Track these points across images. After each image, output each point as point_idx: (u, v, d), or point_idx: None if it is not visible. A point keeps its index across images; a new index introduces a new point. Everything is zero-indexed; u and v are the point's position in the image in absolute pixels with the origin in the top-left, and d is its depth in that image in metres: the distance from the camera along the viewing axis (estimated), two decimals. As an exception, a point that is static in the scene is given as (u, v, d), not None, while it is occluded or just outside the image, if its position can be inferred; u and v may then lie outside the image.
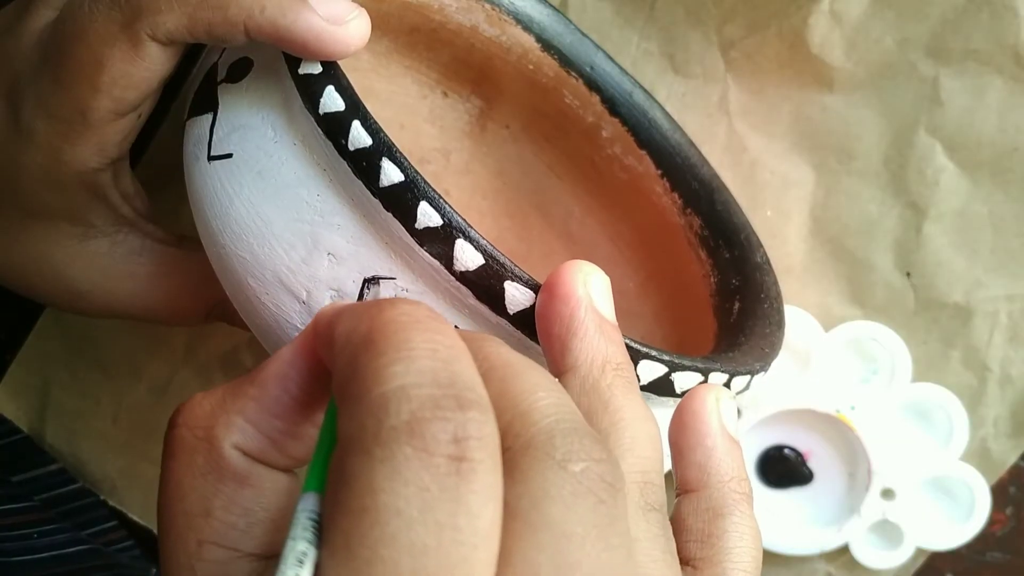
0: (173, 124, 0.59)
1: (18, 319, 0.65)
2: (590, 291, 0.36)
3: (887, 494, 0.58)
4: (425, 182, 0.36)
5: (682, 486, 0.37)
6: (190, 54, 0.47)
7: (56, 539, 0.58)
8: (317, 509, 0.27)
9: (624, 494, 0.28)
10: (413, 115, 0.56)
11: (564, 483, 0.27)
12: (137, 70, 0.41)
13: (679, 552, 0.35)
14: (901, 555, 0.58)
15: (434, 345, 0.27)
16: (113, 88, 0.42)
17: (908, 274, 0.57)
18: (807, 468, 0.60)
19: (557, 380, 0.31)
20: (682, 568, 0.34)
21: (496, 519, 0.26)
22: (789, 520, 0.60)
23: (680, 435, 0.37)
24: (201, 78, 0.45)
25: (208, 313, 0.51)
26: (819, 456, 0.60)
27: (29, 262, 0.49)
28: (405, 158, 0.36)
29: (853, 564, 0.59)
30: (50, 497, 0.63)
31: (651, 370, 0.38)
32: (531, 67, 0.54)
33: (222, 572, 0.30)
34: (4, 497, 0.59)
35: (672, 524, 0.36)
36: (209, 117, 0.42)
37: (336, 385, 0.28)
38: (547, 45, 0.54)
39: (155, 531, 0.64)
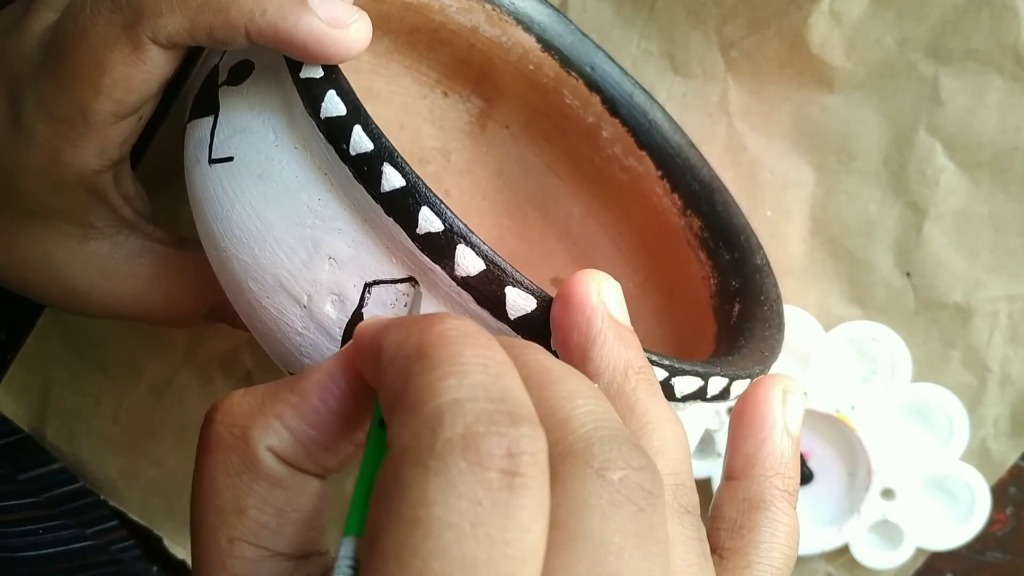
0: (173, 125, 0.59)
1: (18, 319, 0.65)
2: (604, 298, 0.36)
3: (887, 494, 0.58)
4: (427, 187, 0.36)
5: (727, 473, 0.37)
6: (190, 56, 0.47)
7: (61, 535, 0.58)
8: (356, 555, 0.28)
9: (663, 501, 0.29)
10: (413, 115, 0.56)
11: (603, 492, 0.27)
12: (138, 73, 0.41)
13: (710, 539, 0.35)
14: (901, 555, 0.58)
15: (484, 360, 0.28)
16: (114, 90, 0.42)
17: (908, 274, 0.57)
18: (807, 468, 0.60)
19: (595, 386, 0.31)
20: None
21: (544, 533, 0.26)
22: (789, 520, 0.60)
23: (737, 422, 0.38)
24: (202, 80, 0.44)
25: (208, 314, 0.51)
26: (819, 456, 0.60)
27: (29, 262, 0.49)
28: (406, 163, 0.36)
29: (853, 564, 0.59)
30: (53, 496, 0.63)
31: None
32: (531, 67, 0.54)
33: (253, 570, 0.31)
34: (10, 493, 0.59)
35: (711, 510, 0.36)
36: (210, 120, 0.42)
37: (386, 397, 0.28)
38: (547, 45, 0.54)
39: (155, 531, 0.64)
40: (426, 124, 0.57)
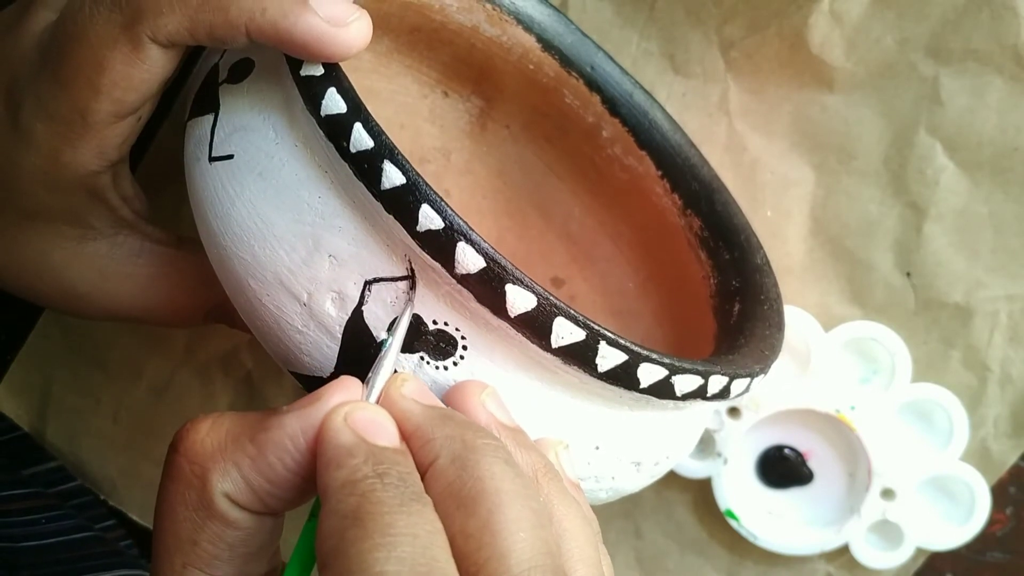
0: (173, 126, 0.59)
1: (18, 319, 0.65)
2: (489, 408, 0.37)
3: (887, 494, 0.58)
4: (427, 184, 0.36)
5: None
6: (190, 57, 0.47)
7: (63, 524, 0.58)
8: None
9: None
10: (413, 115, 0.56)
11: None
12: (137, 72, 0.41)
13: None
14: (901, 555, 0.58)
15: (415, 530, 0.29)
16: (113, 90, 0.42)
17: (908, 274, 0.57)
18: (807, 468, 0.60)
19: (542, 509, 0.32)
20: None
21: None
22: (789, 520, 0.60)
23: None
24: (201, 79, 0.44)
25: (207, 315, 0.51)
26: (819, 456, 0.60)
27: (28, 264, 0.48)
28: (407, 160, 0.36)
29: (853, 564, 0.59)
30: (54, 492, 0.63)
31: (651, 373, 0.38)
32: (532, 67, 0.54)
33: None
34: (13, 483, 0.59)
35: None
36: (210, 118, 0.42)
37: (321, 551, 0.30)
38: (548, 45, 0.54)
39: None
40: (426, 124, 0.57)
